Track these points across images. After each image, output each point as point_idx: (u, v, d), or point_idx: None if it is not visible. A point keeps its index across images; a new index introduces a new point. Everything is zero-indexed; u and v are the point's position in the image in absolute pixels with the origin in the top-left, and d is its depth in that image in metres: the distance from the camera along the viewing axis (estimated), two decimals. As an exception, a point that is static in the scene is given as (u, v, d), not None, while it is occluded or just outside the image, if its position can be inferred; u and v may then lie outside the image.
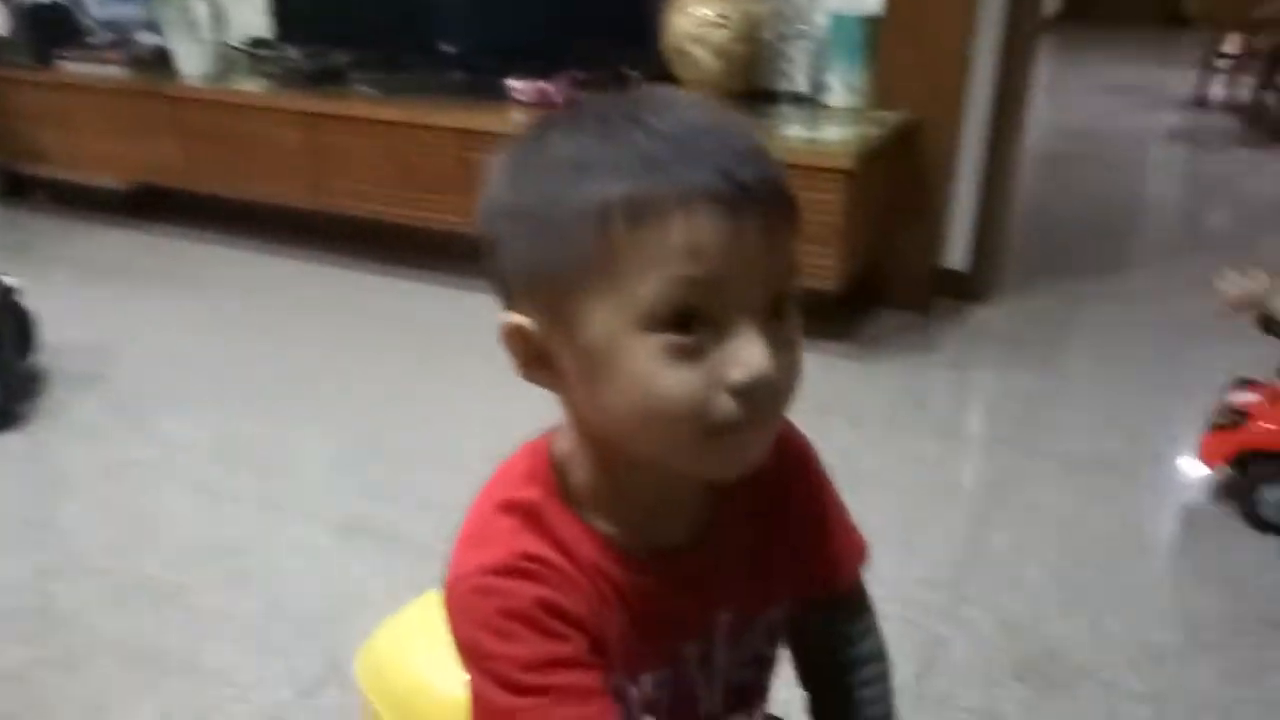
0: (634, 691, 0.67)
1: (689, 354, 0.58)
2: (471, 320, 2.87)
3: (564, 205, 0.58)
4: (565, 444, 0.68)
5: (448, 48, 3.02)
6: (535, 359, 0.63)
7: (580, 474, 0.67)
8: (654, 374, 0.58)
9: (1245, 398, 1.88)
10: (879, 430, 2.22)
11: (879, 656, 0.81)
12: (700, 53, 2.64)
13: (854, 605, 0.81)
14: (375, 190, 2.98)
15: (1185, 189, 4.49)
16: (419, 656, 1.16)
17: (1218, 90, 5.49)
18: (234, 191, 3.26)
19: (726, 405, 0.58)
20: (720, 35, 2.61)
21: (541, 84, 2.81)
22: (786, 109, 2.72)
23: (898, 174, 2.70)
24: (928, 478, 2.04)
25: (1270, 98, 5.04)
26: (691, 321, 0.57)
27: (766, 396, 0.59)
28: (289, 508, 1.94)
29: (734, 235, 0.56)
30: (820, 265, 2.44)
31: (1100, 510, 1.93)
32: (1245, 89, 5.26)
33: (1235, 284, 1.83)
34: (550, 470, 0.67)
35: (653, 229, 0.56)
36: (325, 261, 3.21)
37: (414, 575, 1.73)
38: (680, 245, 0.56)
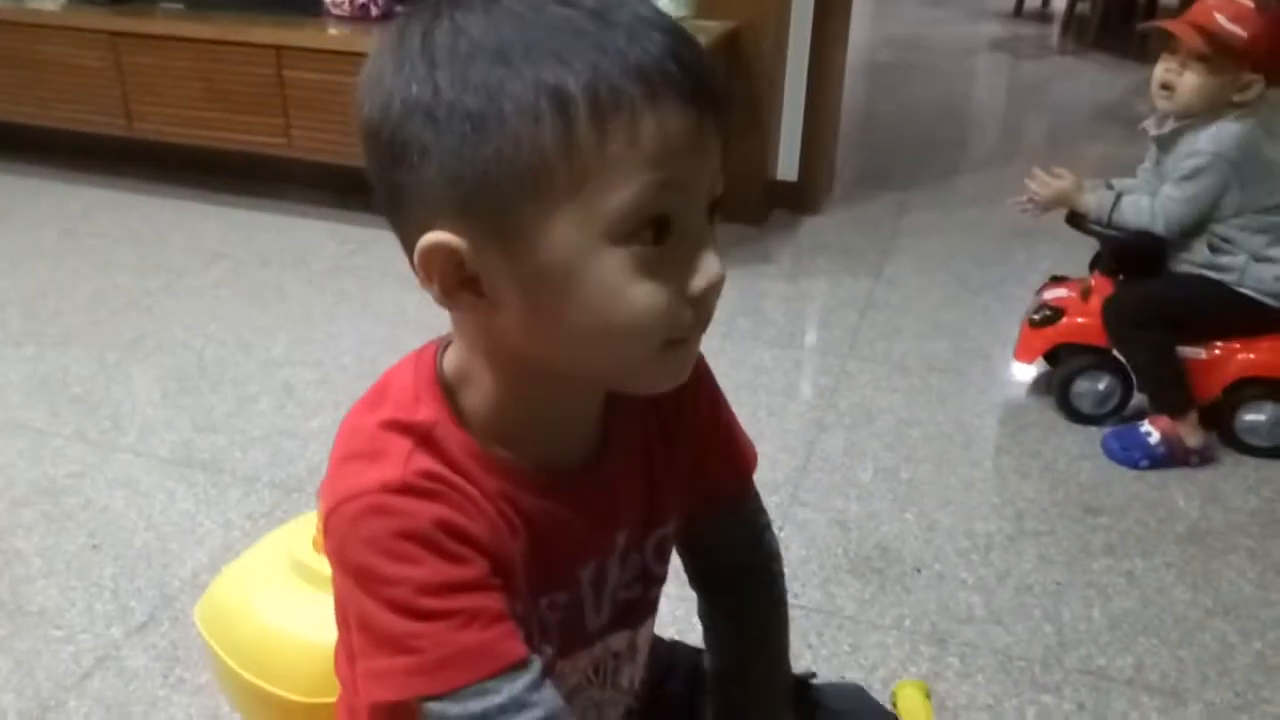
0: (530, 616, 0.63)
1: (658, 265, 0.54)
2: (296, 247, 2.77)
3: (507, 99, 0.50)
4: (459, 364, 0.62)
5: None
6: (461, 283, 0.55)
7: (476, 397, 0.62)
8: (622, 289, 0.53)
9: (1058, 294, 1.96)
10: (716, 342, 2.22)
11: (777, 556, 0.82)
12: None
13: (750, 509, 0.81)
14: (187, 113, 2.78)
15: (1006, 96, 4.64)
16: (265, 602, 1.11)
17: (1035, 1, 5.68)
18: (34, 118, 2.99)
19: (688, 316, 0.56)
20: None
21: (357, -4, 2.66)
22: (614, 19, 2.65)
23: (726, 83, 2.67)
24: (764, 386, 2.06)
25: (1083, 6, 5.24)
26: (661, 230, 0.53)
27: (714, 303, 0.57)
28: (114, 443, 1.83)
29: (698, 132, 0.53)
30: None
31: (929, 411, 1.99)
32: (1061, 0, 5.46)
33: (1044, 184, 1.89)
34: (441, 391, 0.62)
35: (621, 126, 0.50)
36: (141, 190, 3.01)
37: (247, 506, 1.66)
38: (652, 145, 0.51)
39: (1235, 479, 1.79)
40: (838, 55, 2.95)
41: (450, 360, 0.63)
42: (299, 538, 1.12)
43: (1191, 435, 1.79)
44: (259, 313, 2.32)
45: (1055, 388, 1.95)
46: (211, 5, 2.76)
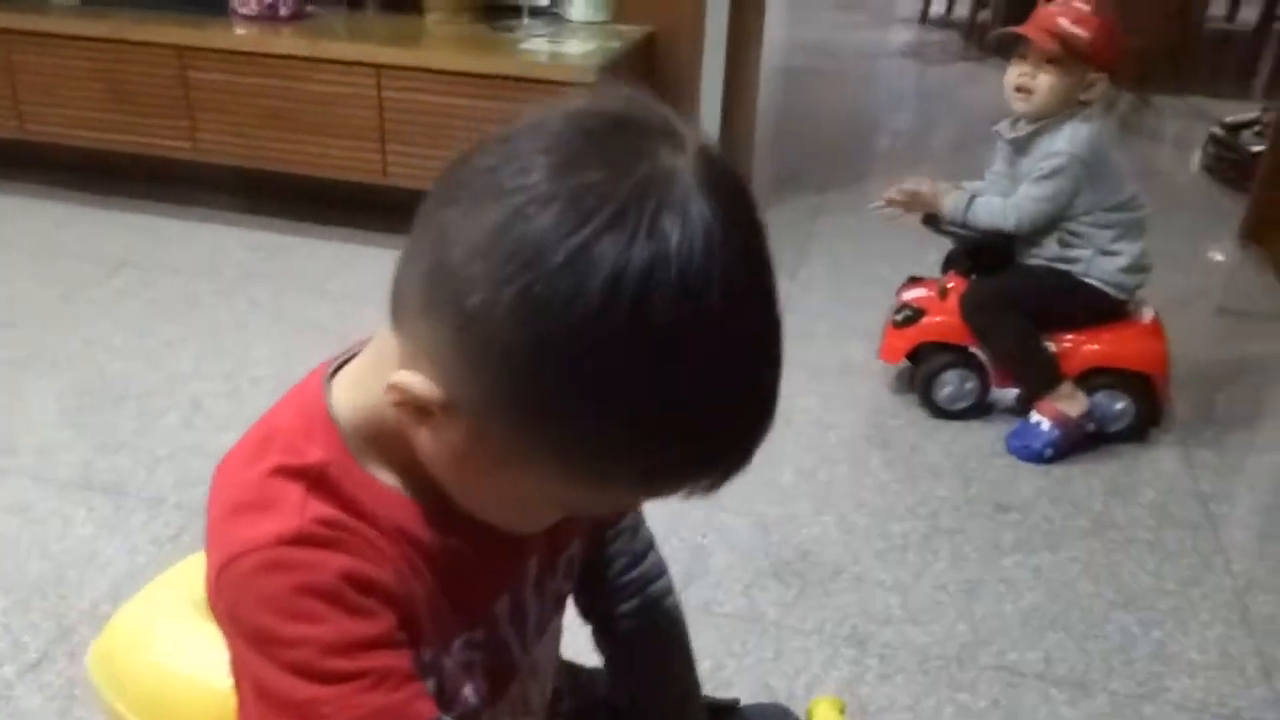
0: (447, 662, 0.60)
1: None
2: (205, 254, 2.69)
3: (649, 402, 0.47)
4: (357, 395, 0.57)
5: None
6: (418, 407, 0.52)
7: (374, 428, 0.56)
8: (549, 505, 0.58)
9: (917, 294, 2.02)
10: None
11: (664, 571, 0.81)
12: (440, -38, 2.50)
13: (636, 525, 0.80)
14: (85, 115, 2.68)
15: (915, 101, 4.74)
16: (163, 645, 1.05)
17: (939, 7, 5.81)
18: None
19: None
20: (453, -57, 2.48)
21: (265, -5, 2.59)
22: (529, 22, 2.63)
23: (641, 86, 2.67)
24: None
25: (985, 13, 5.37)
26: None
27: None
28: (6, 466, 1.75)
29: None
30: (571, 185, 2.41)
31: (846, 413, 2.02)
32: (963, 6, 5.59)
33: (900, 190, 1.97)
34: (332, 424, 0.57)
35: (667, 486, 0.52)
36: (36, 195, 2.88)
37: (153, 530, 1.61)
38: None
39: (1134, 473, 1.86)
40: (753, 60, 2.98)
41: (346, 387, 0.58)
42: (200, 573, 1.07)
43: (1073, 405, 1.85)
44: (165, 324, 2.25)
45: (918, 385, 2.01)
46: (109, 2, 2.66)
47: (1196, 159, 3.57)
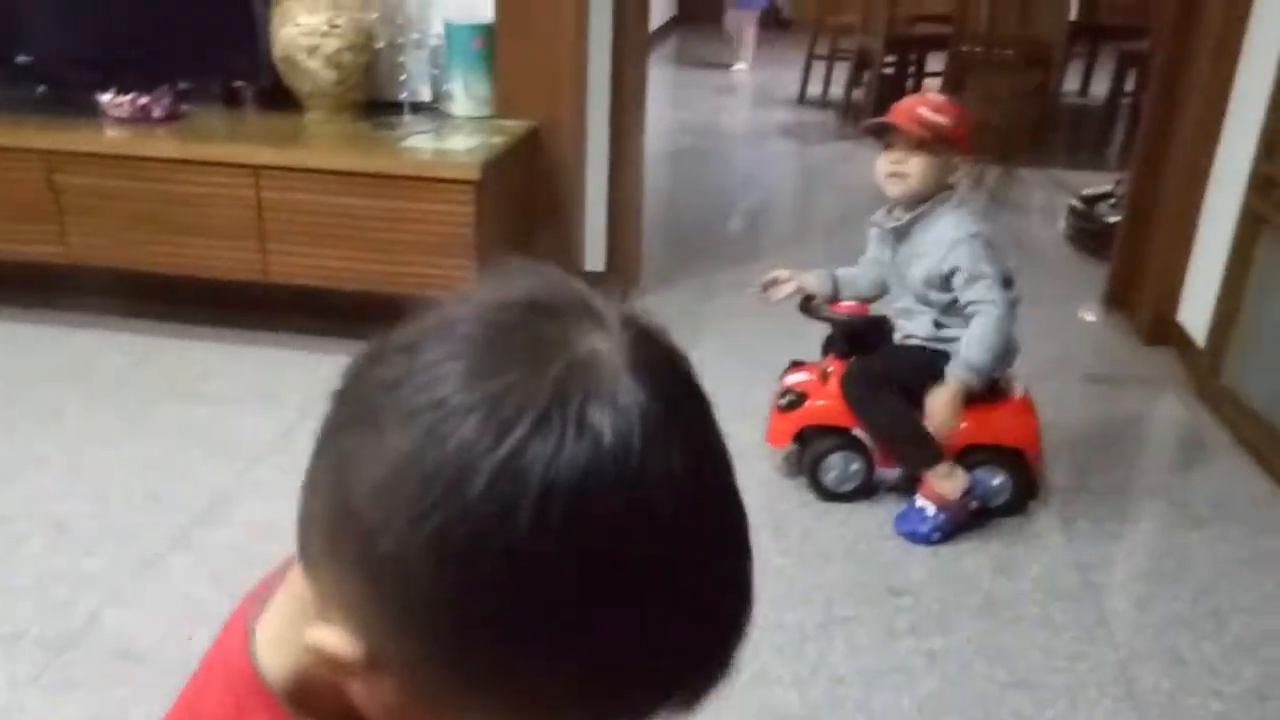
0: None
1: None
2: (75, 360, 2.59)
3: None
4: (283, 656, 0.49)
5: (26, 59, 2.66)
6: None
7: (309, 689, 0.49)
8: None
9: (799, 378, 2.06)
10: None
11: None
12: (313, 63, 2.50)
13: None
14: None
15: (797, 180, 4.89)
16: None
17: (816, 88, 6.03)
18: None
19: None
20: (332, 45, 2.48)
21: (139, 98, 2.54)
22: (410, 119, 2.64)
23: (527, 180, 2.70)
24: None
25: (859, 93, 5.60)
26: None
27: None
28: None
29: None
30: (457, 277, 2.39)
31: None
32: (838, 86, 5.81)
33: (772, 279, 2.05)
34: (267, 694, 0.49)
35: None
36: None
37: (10, 671, 1.50)
38: None
39: (1019, 547, 1.91)
40: (636, 147, 3.04)
41: (270, 648, 0.49)
42: None
43: (954, 484, 1.89)
44: (28, 437, 2.14)
45: (805, 469, 2.04)
46: (-29, 106, 2.59)
47: (1061, 228, 3.76)
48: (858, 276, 2.06)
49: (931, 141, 1.84)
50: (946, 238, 1.85)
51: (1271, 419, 2.20)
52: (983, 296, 1.83)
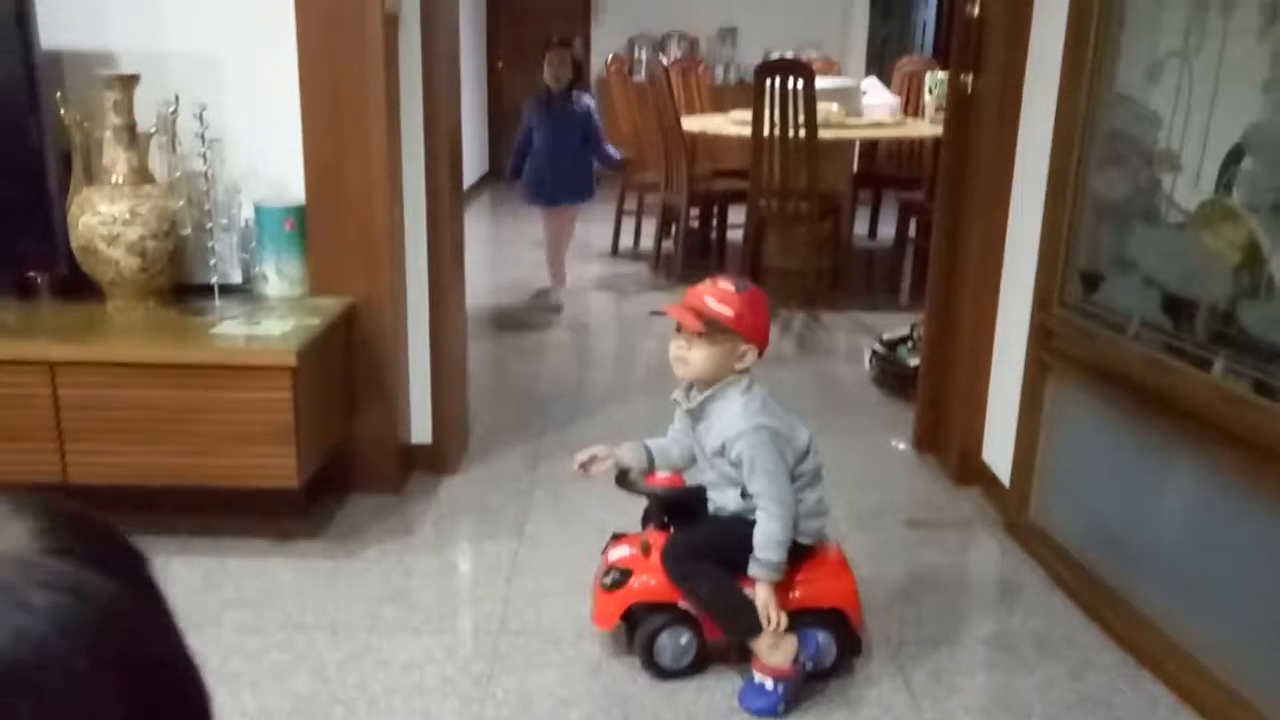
0: None
1: None
2: None
3: None
4: None
5: None
6: None
7: None
8: None
9: (621, 553, 2.05)
10: (360, 638, 2.11)
11: None
12: (114, 252, 2.40)
13: None
14: None
15: (617, 333, 4.99)
16: None
17: (628, 239, 6.26)
18: None
19: None
20: (135, 233, 2.39)
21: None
22: (221, 303, 2.56)
23: (347, 357, 2.66)
24: (416, 686, 1.97)
25: (668, 244, 5.84)
26: None
27: None
28: None
29: None
30: (276, 466, 2.31)
31: (584, 684, 1.99)
32: (648, 238, 6.05)
33: (589, 456, 2.07)
34: None
35: None
36: None
37: None
38: None
39: (863, 707, 1.94)
40: (456, 316, 3.04)
41: None
42: None
43: (782, 654, 1.90)
44: None
45: (638, 649, 2.00)
46: None
47: (867, 370, 3.97)
48: (668, 447, 2.09)
49: (711, 331, 1.90)
50: (734, 427, 1.91)
51: (1076, 554, 2.36)
52: (763, 490, 1.89)
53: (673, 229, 5.78)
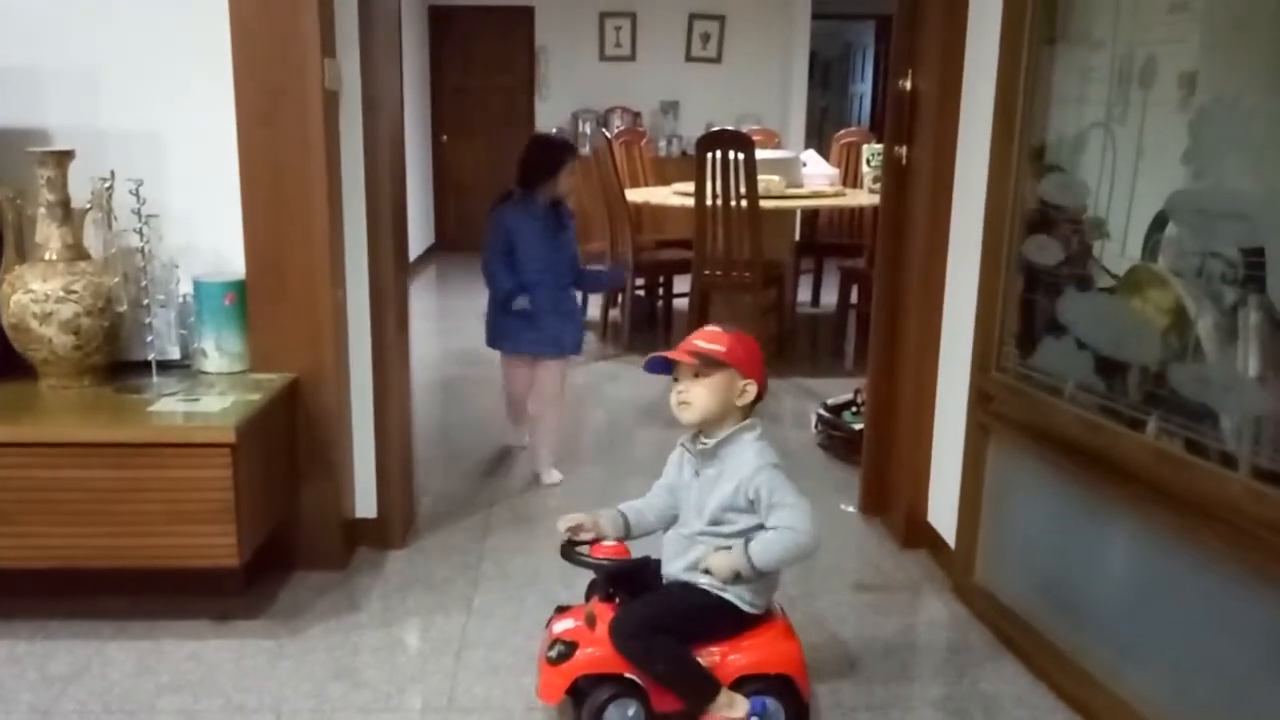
0: None
1: None
2: None
3: None
4: None
5: None
6: None
7: None
8: None
9: (566, 625, 2.03)
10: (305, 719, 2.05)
11: None
12: (48, 330, 2.36)
13: None
14: None
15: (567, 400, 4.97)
16: None
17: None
18: None
19: None
20: (69, 310, 2.36)
21: None
22: (158, 380, 2.52)
23: (290, 433, 2.62)
24: (363, 768, 1.91)
25: (615, 313, 5.88)
26: None
27: None
28: None
29: None
30: (216, 545, 2.26)
31: (536, 759, 1.94)
32: (595, 308, 6.08)
33: (576, 525, 2.07)
34: None
35: None
36: None
37: None
38: None
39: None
40: (401, 387, 3.01)
41: None
42: None
43: (737, 714, 1.92)
44: None
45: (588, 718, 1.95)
46: None
47: (813, 435, 3.99)
48: (644, 510, 2.10)
49: (706, 368, 1.95)
50: (750, 465, 1.95)
51: (1023, 615, 2.37)
52: (788, 519, 1.92)
53: (619, 298, 5.82)
